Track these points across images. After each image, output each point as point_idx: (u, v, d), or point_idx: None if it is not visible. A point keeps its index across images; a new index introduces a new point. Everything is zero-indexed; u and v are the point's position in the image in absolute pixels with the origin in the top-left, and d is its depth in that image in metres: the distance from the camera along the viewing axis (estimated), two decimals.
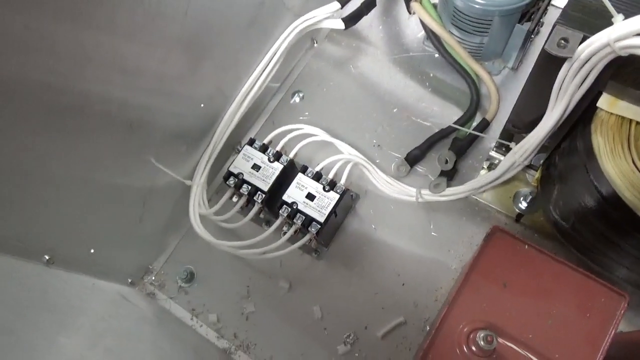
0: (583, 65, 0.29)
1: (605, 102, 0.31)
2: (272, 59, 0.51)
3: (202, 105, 0.47)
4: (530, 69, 0.54)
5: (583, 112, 0.34)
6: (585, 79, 0.30)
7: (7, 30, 0.27)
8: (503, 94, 0.53)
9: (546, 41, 0.29)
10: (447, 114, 0.54)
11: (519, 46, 0.51)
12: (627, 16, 0.26)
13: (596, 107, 0.32)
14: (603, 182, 0.31)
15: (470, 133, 0.50)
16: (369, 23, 0.59)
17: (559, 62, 0.29)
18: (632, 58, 0.27)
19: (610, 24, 0.26)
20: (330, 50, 0.59)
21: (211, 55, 0.45)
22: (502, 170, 0.43)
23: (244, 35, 0.48)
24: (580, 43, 0.28)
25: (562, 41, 0.28)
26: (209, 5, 0.41)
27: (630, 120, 0.31)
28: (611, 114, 0.31)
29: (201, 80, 0.45)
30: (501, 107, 0.52)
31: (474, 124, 0.52)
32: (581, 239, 0.38)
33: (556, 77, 0.31)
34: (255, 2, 0.47)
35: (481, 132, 0.51)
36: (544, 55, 0.29)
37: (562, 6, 0.54)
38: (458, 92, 0.54)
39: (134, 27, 0.35)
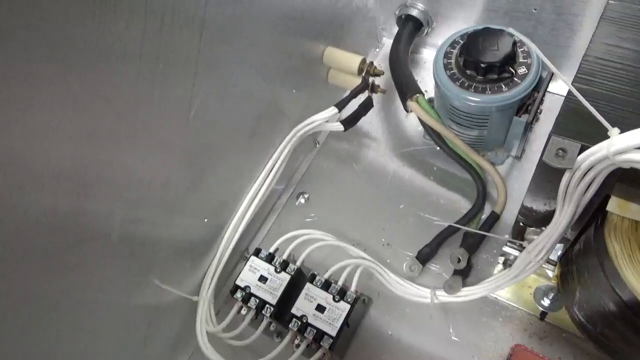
0: (585, 173, 0.28)
1: (615, 205, 0.30)
2: (274, 165, 0.51)
3: (205, 219, 0.46)
4: (534, 156, 0.55)
5: (595, 211, 0.33)
6: (589, 185, 0.29)
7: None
8: (510, 184, 0.52)
9: (543, 152, 0.28)
10: (455, 207, 0.53)
11: (519, 135, 0.51)
12: (624, 124, 0.26)
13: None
14: (625, 290, 0.29)
15: (482, 227, 0.49)
16: (369, 120, 0.60)
17: (559, 171, 0.29)
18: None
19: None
20: (333, 150, 0.60)
21: (214, 169, 0.45)
22: (518, 270, 0.41)
23: (246, 147, 0.48)
24: (580, 152, 0.28)
25: (560, 151, 0.28)
26: (210, 121, 0.42)
27: None
28: (623, 217, 0.30)
29: (204, 194, 0.45)
30: (509, 198, 0.51)
31: (484, 216, 0.50)
32: (613, 345, 0.35)
33: (559, 183, 0.30)
34: (255, 114, 0.48)
35: (492, 225, 0.49)
36: (543, 165, 0.28)
37: (559, 92, 0.56)
38: (463, 183, 0.54)
39: (137, 132, 0.35)
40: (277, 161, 0.51)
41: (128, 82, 0.32)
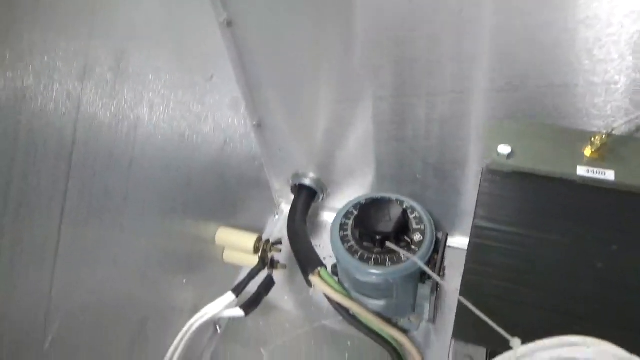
0: None
1: None
2: None
3: None
4: (446, 317, 0.53)
5: None
6: None
7: None
8: (429, 351, 0.49)
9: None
10: None
11: (428, 300, 0.49)
12: (526, 324, 0.24)
13: None
14: None
15: None
16: (273, 298, 0.55)
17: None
18: None
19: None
20: (236, 334, 0.54)
21: None
22: None
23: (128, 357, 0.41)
24: (488, 356, 0.25)
25: (467, 359, 0.25)
26: (75, 345, 0.35)
27: None
28: None
29: None
30: None
31: None
32: None
33: None
34: (138, 318, 0.42)
35: None
36: None
37: (459, 246, 0.56)
38: (384, 356, 0.49)
39: None
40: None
41: None
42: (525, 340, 0.23)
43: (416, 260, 0.41)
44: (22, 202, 0.29)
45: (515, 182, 0.33)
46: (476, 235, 0.30)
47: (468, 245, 0.30)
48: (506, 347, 0.24)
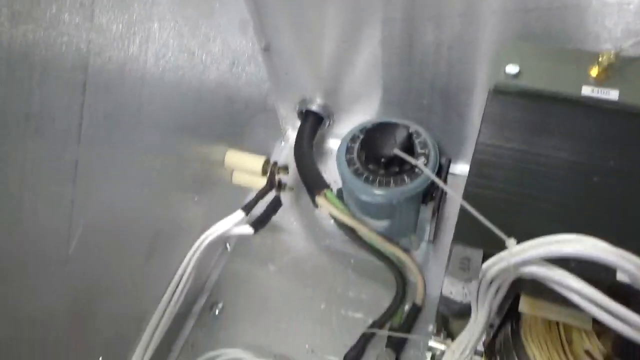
0: (492, 280, 0.27)
1: (525, 305, 0.29)
2: (179, 282, 0.47)
3: (100, 358, 0.40)
4: (446, 238, 0.55)
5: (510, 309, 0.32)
6: (498, 290, 0.28)
7: None
8: (428, 270, 0.52)
9: (447, 264, 0.27)
10: (377, 300, 0.51)
11: (429, 221, 0.51)
12: (524, 228, 0.25)
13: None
14: None
15: (405, 322, 0.47)
16: (281, 217, 0.58)
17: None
18: None
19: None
20: (245, 252, 0.57)
21: (104, 304, 0.40)
22: None
23: (143, 270, 0.44)
24: (484, 258, 0.27)
25: (464, 261, 0.27)
26: (97, 251, 0.38)
27: (558, 323, 0.29)
28: (537, 316, 0.30)
29: (93, 334, 0.39)
30: (429, 285, 0.50)
31: (407, 307, 0.49)
32: None
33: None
34: (152, 232, 0.44)
35: (415, 317, 0.48)
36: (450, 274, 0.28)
37: (461, 173, 0.58)
38: (384, 273, 0.52)
39: None
40: (182, 277, 0.47)
41: None
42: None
43: (427, 170, 0.42)
44: (42, 115, 0.30)
45: (521, 101, 0.34)
46: (480, 151, 0.31)
47: (471, 160, 0.31)
48: (502, 249, 0.25)
